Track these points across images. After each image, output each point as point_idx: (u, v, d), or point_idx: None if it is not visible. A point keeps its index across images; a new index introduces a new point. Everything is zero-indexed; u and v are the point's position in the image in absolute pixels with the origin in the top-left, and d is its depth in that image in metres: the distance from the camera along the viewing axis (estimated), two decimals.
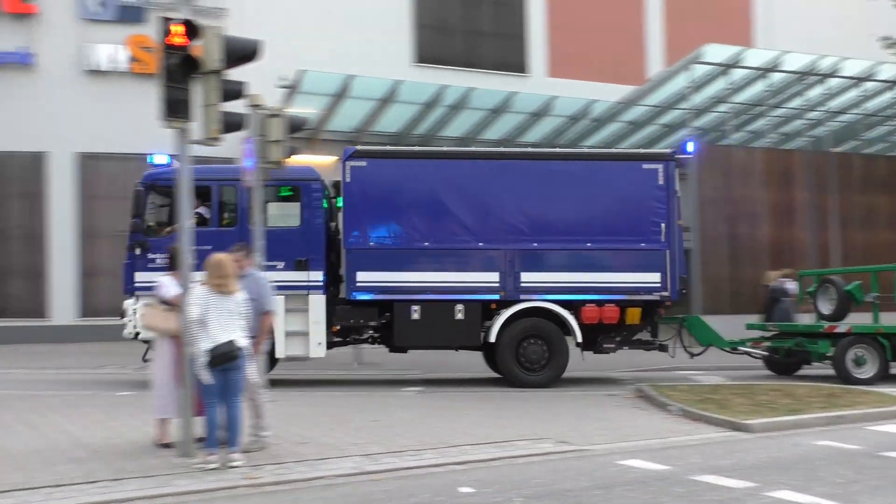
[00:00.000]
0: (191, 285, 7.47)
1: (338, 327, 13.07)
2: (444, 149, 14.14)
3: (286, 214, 13.29)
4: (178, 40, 7.37)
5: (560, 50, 26.74)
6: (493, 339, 12.89)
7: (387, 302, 12.93)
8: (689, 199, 21.77)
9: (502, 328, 12.82)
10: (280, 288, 11.84)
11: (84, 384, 13.27)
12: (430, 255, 12.92)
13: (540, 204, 13.05)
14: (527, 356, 12.91)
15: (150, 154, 14.12)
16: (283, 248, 12.55)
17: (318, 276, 12.88)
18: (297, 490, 6.65)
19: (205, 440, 7.30)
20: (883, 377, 13.39)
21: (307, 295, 12.84)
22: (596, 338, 13.19)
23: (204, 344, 7.04)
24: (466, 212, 13.10)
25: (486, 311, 13.03)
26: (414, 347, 13.68)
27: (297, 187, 13.35)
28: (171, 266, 8.28)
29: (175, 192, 13.61)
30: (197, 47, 7.52)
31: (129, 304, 12.95)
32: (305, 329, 12.75)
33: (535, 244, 12.95)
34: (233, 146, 10.76)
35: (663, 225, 12.89)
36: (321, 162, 22.72)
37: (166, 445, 7.90)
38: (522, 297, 12.88)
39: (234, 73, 8.02)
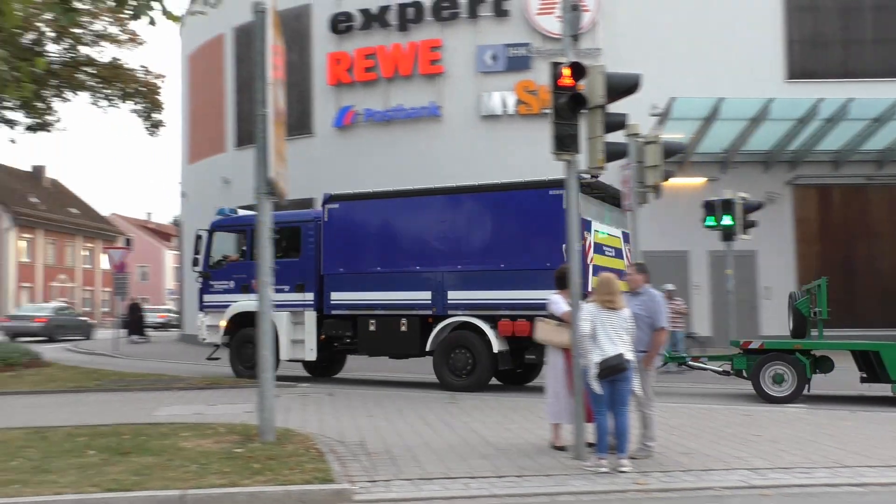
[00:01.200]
0: (580, 303, 7.66)
1: (323, 337, 14.96)
2: (392, 189, 15.04)
3: (293, 247, 15.44)
4: (567, 81, 7.66)
5: None
6: (429, 348, 14.00)
7: (355, 316, 14.65)
8: None
9: (435, 338, 13.91)
10: (286, 306, 15.03)
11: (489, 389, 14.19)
12: (381, 277, 14.37)
13: (464, 230, 13.83)
14: (454, 363, 13.77)
15: (221, 208, 17.04)
16: (289, 275, 14.98)
17: (310, 296, 15.03)
18: (685, 499, 6.47)
19: (595, 445, 7.39)
20: (801, 395, 12.28)
21: (303, 311, 15.06)
22: (522, 351, 13.52)
23: (594, 357, 7.17)
24: (407, 240, 14.38)
25: (426, 324, 14.08)
26: (373, 354, 15.34)
27: (298, 227, 15.43)
28: (561, 285, 8.53)
29: (235, 234, 16.88)
30: (581, 86, 7.75)
31: (200, 316, 16.57)
32: (303, 338, 15.00)
33: (459, 266, 13.76)
34: (611, 172, 10.85)
35: (564, 246, 11.88)
36: (691, 183, 22.23)
37: (560, 448, 8.12)
38: (450, 312, 13.83)
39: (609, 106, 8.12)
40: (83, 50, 20.93)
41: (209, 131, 30.47)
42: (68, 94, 21.33)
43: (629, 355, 7.18)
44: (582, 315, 7.38)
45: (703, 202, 15.33)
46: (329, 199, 15.02)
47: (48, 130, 21.75)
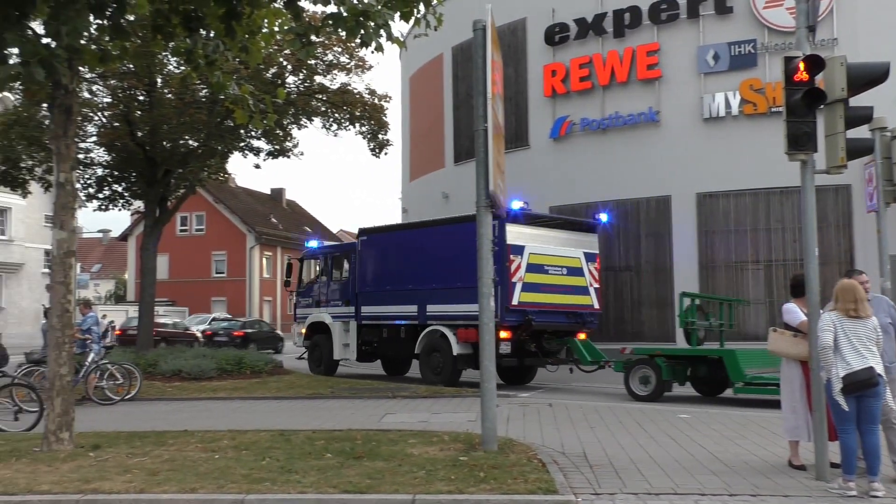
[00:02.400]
0: (818, 312, 7.13)
1: (360, 342, 18.86)
2: (392, 224, 19.74)
3: (343, 271, 19.96)
4: (802, 76, 7.19)
5: None
6: (416, 351, 17.51)
7: (376, 325, 18.69)
8: None
9: (419, 344, 17.35)
10: (340, 317, 19.44)
11: (711, 402, 13.57)
12: (389, 294, 18.19)
13: (437, 255, 17.01)
14: (431, 364, 17.23)
15: (308, 240, 22.31)
16: (342, 292, 19.57)
17: (352, 309, 19.06)
18: None
19: (840, 465, 6.83)
20: (660, 395, 14.00)
21: (349, 321, 19.08)
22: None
23: (839, 370, 6.62)
24: (402, 263, 18.03)
25: (417, 332, 17.47)
26: (388, 357, 19.72)
27: (347, 254, 20.04)
28: (796, 293, 8.00)
29: (319, 261, 21.46)
30: (819, 80, 7.25)
31: (294, 326, 21.60)
32: (348, 342, 19.07)
33: (434, 285, 17.01)
34: (852, 171, 10.01)
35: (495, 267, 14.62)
36: None
37: (798, 467, 7.64)
38: (429, 322, 17.19)
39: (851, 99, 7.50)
40: (317, 79, 22.56)
41: (429, 148, 31.69)
42: (304, 121, 23.06)
43: (879, 368, 6.57)
44: (822, 324, 6.85)
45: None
46: (361, 232, 19.63)
47: (287, 156, 23.63)
